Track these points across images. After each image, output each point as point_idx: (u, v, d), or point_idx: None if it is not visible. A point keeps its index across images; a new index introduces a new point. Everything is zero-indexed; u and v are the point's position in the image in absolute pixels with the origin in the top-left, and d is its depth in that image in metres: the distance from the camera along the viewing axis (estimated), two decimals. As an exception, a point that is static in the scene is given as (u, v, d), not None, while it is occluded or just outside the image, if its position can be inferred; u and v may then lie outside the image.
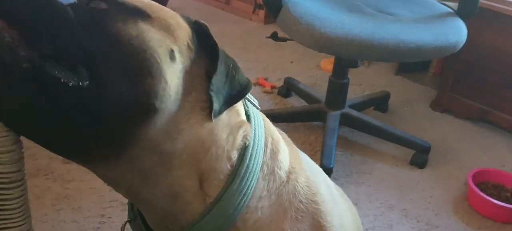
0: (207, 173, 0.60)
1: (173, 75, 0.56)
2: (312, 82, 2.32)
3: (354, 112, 1.88)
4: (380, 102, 2.15)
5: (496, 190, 1.66)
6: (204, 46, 0.61)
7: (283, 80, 2.21)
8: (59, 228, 1.37)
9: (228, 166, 0.61)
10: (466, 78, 2.06)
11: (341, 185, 1.62)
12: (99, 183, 1.53)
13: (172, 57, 0.56)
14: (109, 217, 1.41)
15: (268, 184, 0.64)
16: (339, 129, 1.81)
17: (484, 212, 1.59)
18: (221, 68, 0.60)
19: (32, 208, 0.75)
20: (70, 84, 0.50)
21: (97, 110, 0.52)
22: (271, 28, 2.82)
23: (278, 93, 2.18)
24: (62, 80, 0.49)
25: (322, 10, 1.54)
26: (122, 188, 0.62)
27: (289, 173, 0.66)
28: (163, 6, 0.62)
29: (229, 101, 0.61)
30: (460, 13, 1.65)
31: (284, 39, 2.71)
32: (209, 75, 0.60)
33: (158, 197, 0.60)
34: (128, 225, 0.73)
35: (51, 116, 0.51)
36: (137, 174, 0.58)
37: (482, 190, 1.62)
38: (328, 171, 1.62)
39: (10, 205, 0.68)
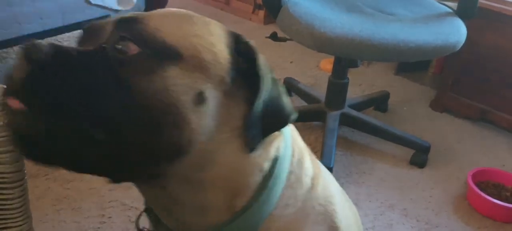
0: (239, 189, 0.60)
1: (201, 119, 0.54)
2: (312, 82, 2.32)
3: (354, 112, 1.88)
4: (380, 102, 2.15)
5: (496, 190, 1.66)
6: (248, 74, 0.58)
7: (282, 80, 2.21)
8: (59, 228, 1.37)
9: (259, 178, 0.60)
10: (466, 78, 2.06)
11: (341, 185, 1.61)
12: (99, 183, 1.54)
13: (201, 100, 0.54)
14: (109, 217, 1.41)
15: (295, 192, 0.63)
16: (339, 129, 1.81)
17: (484, 211, 1.59)
18: (265, 98, 0.57)
19: (33, 208, 0.76)
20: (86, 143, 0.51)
21: (119, 159, 0.52)
22: (270, 28, 2.82)
23: (278, 94, 2.18)
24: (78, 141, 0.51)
25: (321, 10, 1.54)
26: (147, 200, 0.63)
27: (313, 179, 0.66)
28: (207, 31, 0.57)
29: (269, 132, 0.59)
30: (459, 13, 1.65)
31: (283, 39, 2.71)
32: (248, 101, 0.58)
33: (183, 210, 0.60)
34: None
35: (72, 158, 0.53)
36: (166, 196, 0.59)
37: (482, 190, 1.62)
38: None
39: (10, 205, 0.68)
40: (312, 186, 0.66)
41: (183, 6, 3.00)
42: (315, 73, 2.43)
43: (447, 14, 1.65)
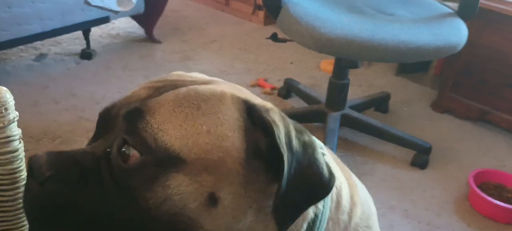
0: None
1: (217, 220, 0.51)
2: (312, 83, 2.32)
3: (355, 113, 1.88)
4: (380, 103, 2.15)
5: (497, 191, 1.66)
6: (270, 148, 0.52)
7: (283, 81, 2.21)
8: (59, 230, 1.36)
9: None
10: (466, 79, 2.06)
11: (341, 186, 1.61)
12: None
13: (213, 202, 0.51)
14: (110, 219, 1.40)
15: None
16: (339, 130, 1.81)
17: (485, 212, 1.59)
18: (290, 175, 0.51)
19: (33, 210, 0.75)
20: None
21: None
22: (270, 29, 2.81)
23: (278, 95, 2.18)
24: None
25: (322, 11, 1.54)
26: None
27: (350, 211, 0.63)
28: (215, 120, 0.52)
29: (305, 207, 0.54)
30: (460, 13, 1.65)
31: (284, 40, 2.71)
32: (274, 179, 0.53)
33: None
34: None
35: None
36: None
37: (483, 191, 1.61)
38: (329, 172, 1.61)
39: (12, 206, 0.68)
40: (350, 219, 0.63)
41: (182, 7, 2.96)
42: (316, 74, 2.43)
43: (448, 15, 1.65)
